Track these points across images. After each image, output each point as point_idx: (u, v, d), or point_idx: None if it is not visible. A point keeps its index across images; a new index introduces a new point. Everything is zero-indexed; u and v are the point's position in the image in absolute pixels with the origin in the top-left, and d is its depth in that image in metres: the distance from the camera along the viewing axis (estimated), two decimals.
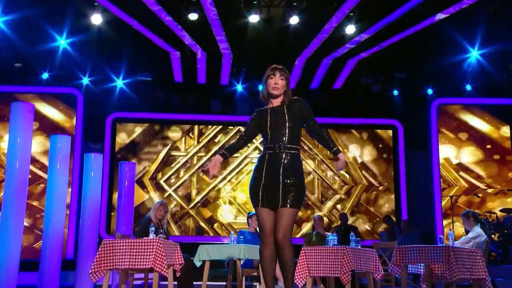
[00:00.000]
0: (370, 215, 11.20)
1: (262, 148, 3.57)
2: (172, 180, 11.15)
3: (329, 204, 11.30)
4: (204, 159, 11.25)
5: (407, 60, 10.40)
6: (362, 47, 9.58)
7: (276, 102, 3.54)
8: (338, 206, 11.28)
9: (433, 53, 9.96)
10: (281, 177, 3.35)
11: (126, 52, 9.92)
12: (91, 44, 9.42)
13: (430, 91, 11.06)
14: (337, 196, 11.33)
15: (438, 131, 11.01)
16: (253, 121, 3.56)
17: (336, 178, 11.36)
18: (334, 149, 3.44)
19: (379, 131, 11.47)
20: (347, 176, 11.37)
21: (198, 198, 11.13)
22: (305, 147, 11.35)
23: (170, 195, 11.05)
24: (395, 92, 11.10)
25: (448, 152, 11.04)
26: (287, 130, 3.42)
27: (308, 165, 11.31)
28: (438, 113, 11.07)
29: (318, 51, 9.70)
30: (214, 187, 11.20)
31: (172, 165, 11.17)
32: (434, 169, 10.75)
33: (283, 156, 3.39)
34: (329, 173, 11.41)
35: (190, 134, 11.30)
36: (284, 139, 3.41)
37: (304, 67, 10.27)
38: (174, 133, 11.28)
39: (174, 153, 11.25)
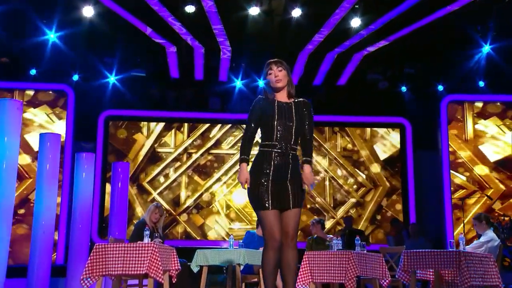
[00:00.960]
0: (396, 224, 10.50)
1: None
2: (158, 181, 10.72)
3: (343, 209, 10.85)
4: (196, 155, 10.83)
5: (416, 54, 10.38)
6: (368, 41, 9.57)
7: (282, 96, 3.58)
8: (354, 212, 10.77)
9: (444, 47, 9.95)
10: (289, 177, 3.43)
11: (119, 47, 9.90)
12: (82, 38, 9.41)
13: (440, 87, 11.05)
14: (352, 200, 10.91)
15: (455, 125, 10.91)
16: (256, 114, 3.54)
17: (350, 178, 10.94)
18: (305, 158, 3.49)
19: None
20: (363, 176, 11.01)
21: (189, 201, 10.69)
22: (315, 143, 10.87)
23: (154, 199, 10.54)
24: (403, 89, 11.10)
25: (484, 150, 10.82)
26: (293, 131, 3.48)
27: (318, 163, 10.93)
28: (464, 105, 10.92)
29: (322, 45, 9.69)
30: (208, 189, 10.79)
31: (158, 164, 10.75)
32: (444, 169, 10.73)
33: (290, 157, 3.47)
34: (343, 172, 10.99)
35: (181, 128, 10.96)
36: (291, 139, 3.48)
37: (306, 62, 10.26)
38: (159, 126, 10.89)
39: (160, 149, 10.84)
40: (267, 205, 3.37)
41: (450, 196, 10.61)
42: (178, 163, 10.90)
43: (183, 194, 10.81)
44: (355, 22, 8.90)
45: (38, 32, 9.20)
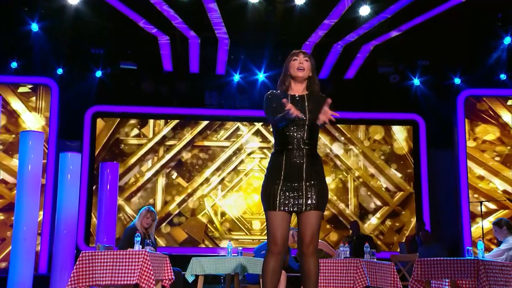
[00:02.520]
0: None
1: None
2: (125, 183, 9.87)
3: (373, 221, 10.04)
4: (177, 148, 10.14)
5: (430, 45, 10.37)
6: (378, 31, 9.56)
7: (298, 90, 3.58)
8: (385, 225, 9.90)
9: (461, 37, 9.94)
10: (304, 176, 3.40)
11: (108, 37, 9.91)
12: (67, 27, 9.40)
13: (457, 81, 11.04)
14: (386, 208, 10.13)
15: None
16: (273, 104, 3.47)
17: (382, 180, 10.15)
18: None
19: None
20: (398, 175, 10.36)
21: (169, 208, 9.87)
22: (336, 134, 10.42)
23: (120, 207, 9.59)
24: (416, 82, 11.10)
25: None
26: (307, 124, 3.44)
27: (340, 159, 10.42)
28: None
29: (328, 35, 9.69)
30: (194, 191, 10.05)
31: (125, 159, 10.00)
32: (461, 170, 10.71)
33: (304, 153, 3.42)
34: (373, 172, 10.10)
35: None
36: (304, 133, 3.44)
37: (311, 54, 10.18)
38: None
39: (127, 140, 10.04)
40: (274, 205, 3.38)
41: (468, 199, 10.59)
42: (155, 159, 10.14)
43: (159, 199, 9.98)
44: (364, 10, 8.89)
45: (19, 22, 9.19)
